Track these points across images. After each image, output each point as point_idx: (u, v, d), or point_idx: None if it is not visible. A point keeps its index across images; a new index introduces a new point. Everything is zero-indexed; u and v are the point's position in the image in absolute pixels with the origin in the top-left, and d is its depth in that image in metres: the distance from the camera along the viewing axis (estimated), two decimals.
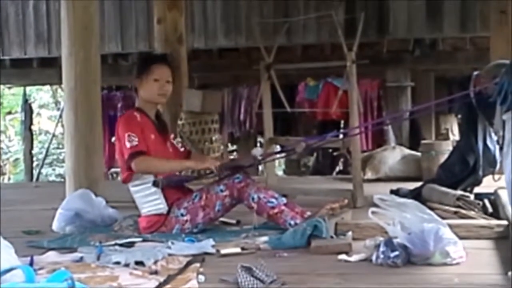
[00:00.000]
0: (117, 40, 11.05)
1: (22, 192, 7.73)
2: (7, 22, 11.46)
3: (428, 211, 3.84)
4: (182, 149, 5.11)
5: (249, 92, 11.35)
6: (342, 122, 11.11)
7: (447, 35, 10.29)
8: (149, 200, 4.74)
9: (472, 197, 5.15)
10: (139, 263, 3.72)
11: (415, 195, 5.35)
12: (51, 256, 4.06)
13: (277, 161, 10.26)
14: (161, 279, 3.39)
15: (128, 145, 4.65)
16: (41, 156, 15.35)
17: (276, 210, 4.55)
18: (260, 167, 11.06)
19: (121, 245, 4.25)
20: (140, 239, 4.44)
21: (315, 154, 11.93)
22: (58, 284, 3.08)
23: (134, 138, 4.65)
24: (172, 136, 5.14)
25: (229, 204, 4.70)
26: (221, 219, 4.93)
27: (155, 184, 4.69)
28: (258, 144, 11.70)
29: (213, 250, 4.07)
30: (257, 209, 4.60)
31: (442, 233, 3.62)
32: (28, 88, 14.95)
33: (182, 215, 4.67)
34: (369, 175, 7.41)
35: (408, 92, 10.55)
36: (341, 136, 6.08)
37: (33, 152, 14.55)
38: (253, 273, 3.26)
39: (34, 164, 14.65)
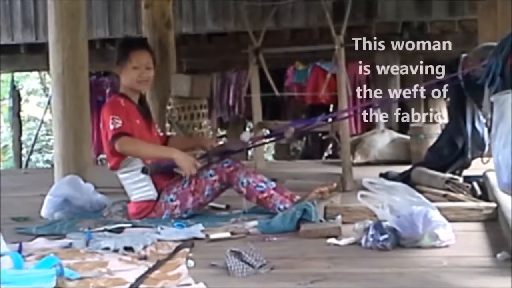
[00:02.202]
0: (105, 25, 11.01)
1: (11, 178, 7.69)
2: None
3: (417, 194, 3.84)
4: (161, 134, 5.11)
5: (237, 76, 11.34)
6: (331, 106, 11.10)
7: (435, 18, 10.30)
8: (138, 186, 4.72)
9: (461, 180, 5.16)
10: (128, 248, 3.71)
11: (404, 178, 5.35)
12: (40, 242, 4.04)
13: (266, 146, 10.26)
14: (151, 265, 3.39)
15: (111, 127, 4.60)
16: (30, 143, 15.30)
17: (265, 195, 4.54)
18: (250, 152, 11.05)
19: (110, 230, 4.24)
20: (129, 224, 4.42)
21: (304, 139, 11.94)
22: (47, 270, 3.08)
23: (118, 121, 4.61)
24: (154, 120, 5.13)
25: (219, 189, 4.69)
26: (211, 204, 4.92)
27: (144, 171, 4.66)
28: (247, 129, 11.71)
29: (202, 235, 4.06)
30: (246, 194, 4.59)
31: (431, 216, 3.63)
32: (16, 75, 14.90)
33: (171, 200, 4.66)
34: (358, 158, 7.41)
35: (397, 75, 10.54)
36: (330, 119, 6.06)
37: (22, 138, 14.50)
38: (243, 258, 3.26)
39: (23, 151, 14.60)
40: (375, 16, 10.17)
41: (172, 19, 8.51)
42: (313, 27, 10.61)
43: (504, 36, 4.20)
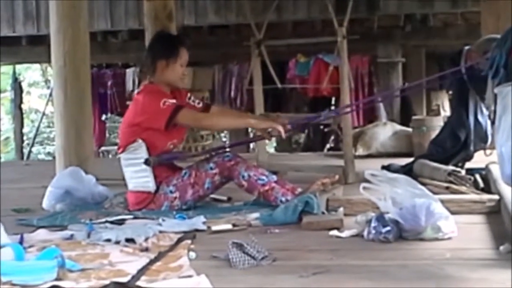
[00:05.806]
0: (107, 17, 10.98)
1: (13, 170, 7.70)
2: None
3: (420, 186, 3.83)
4: (199, 105, 4.99)
5: (239, 69, 11.34)
6: (333, 98, 11.10)
7: (438, 10, 10.27)
8: (138, 176, 4.70)
9: (463, 172, 5.15)
10: (129, 240, 3.70)
11: (407, 170, 5.34)
12: (41, 234, 4.03)
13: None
14: (152, 256, 3.38)
15: (168, 103, 4.56)
16: (31, 135, 15.32)
17: (267, 187, 4.53)
18: (251, 145, 11.05)
19: (111, 222, 4.23)
20: (130, 216, 4.42)
21: (306, 131, 11.94)
22: (48, 261, 3.07)
23: (171, 100, 4.61)
24: (188, 95, 5.00)
25: (219, 182, 4.68)
26: (212, 196, 4.91)
27: (146, 162, 4.64)
28: None
29: (204, 227, 4.06)
30: (248, 187, 4.58)
31: (433, 208, 3.61)
32: (17, 67, 14.90)
33: (171, 192, 4.65)
34: (360, 151, 7.40)
35: (399, 68, 10.54)
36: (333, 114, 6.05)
37: (24, 131, 14.51)
38: (244, 250, 3.25)
39: (25, 143, 14.62)
40: (377, 8, 10.14)
41: (174, 11, 8.48)
42: (315, 20, 10.60)
43: (507, 28, 4.19)
